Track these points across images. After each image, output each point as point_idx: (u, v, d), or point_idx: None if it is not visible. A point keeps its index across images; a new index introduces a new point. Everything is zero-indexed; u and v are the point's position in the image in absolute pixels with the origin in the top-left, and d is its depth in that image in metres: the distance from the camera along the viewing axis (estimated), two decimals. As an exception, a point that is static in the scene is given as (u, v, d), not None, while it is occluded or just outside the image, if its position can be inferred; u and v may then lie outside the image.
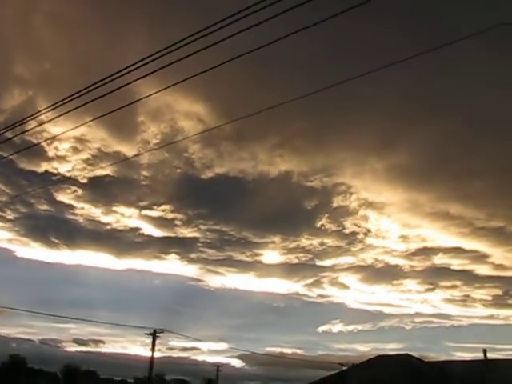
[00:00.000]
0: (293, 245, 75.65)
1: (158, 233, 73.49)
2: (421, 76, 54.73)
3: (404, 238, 73.68)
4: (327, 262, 76.64)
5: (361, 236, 73.77)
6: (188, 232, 74.12)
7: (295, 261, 76.48)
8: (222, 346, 78.74)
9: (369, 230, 73.45)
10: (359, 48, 54.34)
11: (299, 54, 52.62)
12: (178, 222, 72.92)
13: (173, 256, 76.17)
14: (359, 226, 73.00)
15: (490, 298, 74.09)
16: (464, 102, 60.94)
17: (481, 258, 71.16)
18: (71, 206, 69.89)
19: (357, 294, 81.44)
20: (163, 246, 75.63)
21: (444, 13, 51.16)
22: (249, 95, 55.01)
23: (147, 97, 13.01)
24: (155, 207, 71.10)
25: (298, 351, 79.22)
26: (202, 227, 74.09)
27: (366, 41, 53.57)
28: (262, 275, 78.90)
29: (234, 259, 76.81)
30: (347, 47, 54.26)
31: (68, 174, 65.37)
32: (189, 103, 60.35)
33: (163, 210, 71.56)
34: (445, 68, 54.25)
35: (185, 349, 69.62)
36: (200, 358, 73.44)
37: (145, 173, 69.44)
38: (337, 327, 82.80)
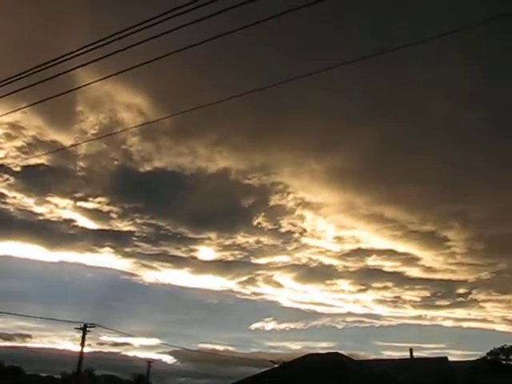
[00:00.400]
0: (229, 242, 75.86)
1: (92, 225, 72.11)
2: (361, 80, 55.89)
3: (339, 238, 75.28)
4: (262, 260, 77.34)
5: (296, 235, 74.85)
6: (123, 225, 72.96)
7: (230, 258, 76.79)
8: (154, 341, 78.10)
9: (304, 230, 74.61)
10: (303, 48, 55.04)
11: (243, 52, 52.82)
12: (113, 215, 71.68)
13: (107, 249, 74.90)
14: (295, 226, 74.04)
15: (419, 300, 76.92)
16: (401, 107, 62.72)
17: (412, 260, 73.73)
18: (2, 195, 67.80)
19: (290, 292, 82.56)
20: (97, 238, 74.27)
21: (389, 18, 52.54)
22: (191, 90, 54.64)
23: (86, 85, 12.67)
24: (91, 199, 69.69)
25: (230, 348, 79.62)
26: (138, 221, 73.13)
27: (311, 41, 54.31)
28: (197, 271, 78.77)
29: (169, 254, 76.30)
30: (291, 46, 54.83)
31: (0, 162, 63.11)
32: (129, 95, 59.43)
33: (99, 202, 70.19)
34: (385, 73, 55.68)
35: (116, 344, 68.59)
36: (131, 353, 72.54)
37: (81, 163, 67.97)
38: (269, 325, 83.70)
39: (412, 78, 59.26)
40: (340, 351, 44.12)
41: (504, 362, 57.20)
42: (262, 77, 50.32)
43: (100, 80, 12.26)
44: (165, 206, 75.09)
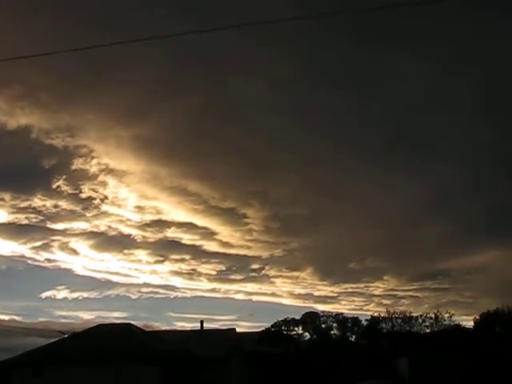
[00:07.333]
0: (24, 204, 71.57)
1: None
2: (184, 51, 56.14)
3: (140, 208, 75.30)
4: (59, 226, 74.23)
5: (97, 202, 73.14)
6: None
7: (25, 221, 72.51)
8: None
9: (106, 197, 73.21)
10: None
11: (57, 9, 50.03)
12: None
13: None
14: (97, 192, 72.27)
15: (215, 273, 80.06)
16: (214, 85, 64.54)
17: (210, 234, 76.39)
18: None
19: (86, 260, 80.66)
20: None
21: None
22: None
23: None
24: None
25: (17, 318, 75.37)
26: None
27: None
28: (-15, 233, 73.30)
29: (-47, 213, 69.65)
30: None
31: None
32: None
33: None
34: (213, 50, 56.62)
35: None
36: None
37: None
38: (62, 293, 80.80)
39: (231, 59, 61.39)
40: (133, 322, 44.70)
41: (285, 333, 62.50)
42: (77, 35, 48.25)
43: None
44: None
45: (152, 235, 77.87)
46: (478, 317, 59.09)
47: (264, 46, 57.57)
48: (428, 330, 61.00)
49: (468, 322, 61.53)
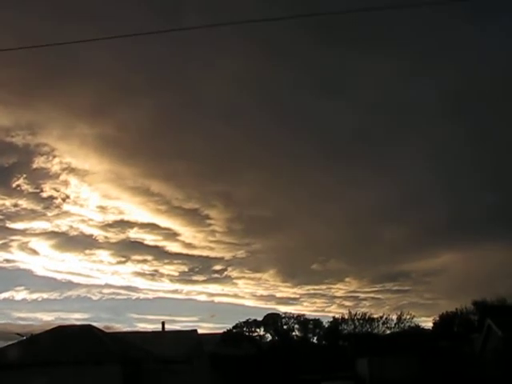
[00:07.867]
0: (-18, 203, 69.93)
1: None
2: (143, 53, 55.80)
3: (102, 208, 74.79)
4: (19, 225, 73.28)
5: (58, 201, 72.37)
6: None
7: (-17, 221, 70.89)
8: None
9: (68, 196, 72.50)
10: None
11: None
12: None
13: None
14: (58, 191, 71.52)
15: (177, 274, 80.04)
16: (177, 85, 64.14)
17: (173, 235, 76.39)
18: None
19: (46, 260, 79.64)
20: None
21: None
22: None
23: None
24: None
25: (-28, 320, 73.59)
26: None
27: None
28: None
29: None
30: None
31: None
32: None
33: None
34: (169, 49, 56.34)
35: None
36: None
37: None
38: (20, 294, 79.66)
39: (196, 58, 61.08)
40: (94, 323, 43.93)
41: (247, 334, 62.52)
42: (40, 31, 47.35)
43: None
44: None
45: (114, 235, 77.29)
46: (437, 318, 60.48)
47: (229, 45, 57.67)
48: (389, 332, 62.02)
49: (428, 324, 62.96)
